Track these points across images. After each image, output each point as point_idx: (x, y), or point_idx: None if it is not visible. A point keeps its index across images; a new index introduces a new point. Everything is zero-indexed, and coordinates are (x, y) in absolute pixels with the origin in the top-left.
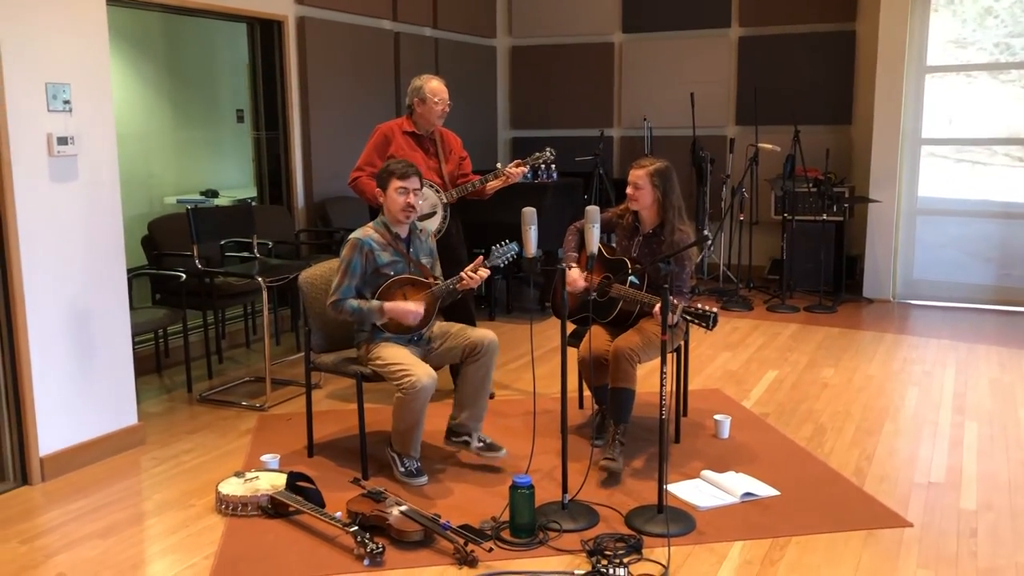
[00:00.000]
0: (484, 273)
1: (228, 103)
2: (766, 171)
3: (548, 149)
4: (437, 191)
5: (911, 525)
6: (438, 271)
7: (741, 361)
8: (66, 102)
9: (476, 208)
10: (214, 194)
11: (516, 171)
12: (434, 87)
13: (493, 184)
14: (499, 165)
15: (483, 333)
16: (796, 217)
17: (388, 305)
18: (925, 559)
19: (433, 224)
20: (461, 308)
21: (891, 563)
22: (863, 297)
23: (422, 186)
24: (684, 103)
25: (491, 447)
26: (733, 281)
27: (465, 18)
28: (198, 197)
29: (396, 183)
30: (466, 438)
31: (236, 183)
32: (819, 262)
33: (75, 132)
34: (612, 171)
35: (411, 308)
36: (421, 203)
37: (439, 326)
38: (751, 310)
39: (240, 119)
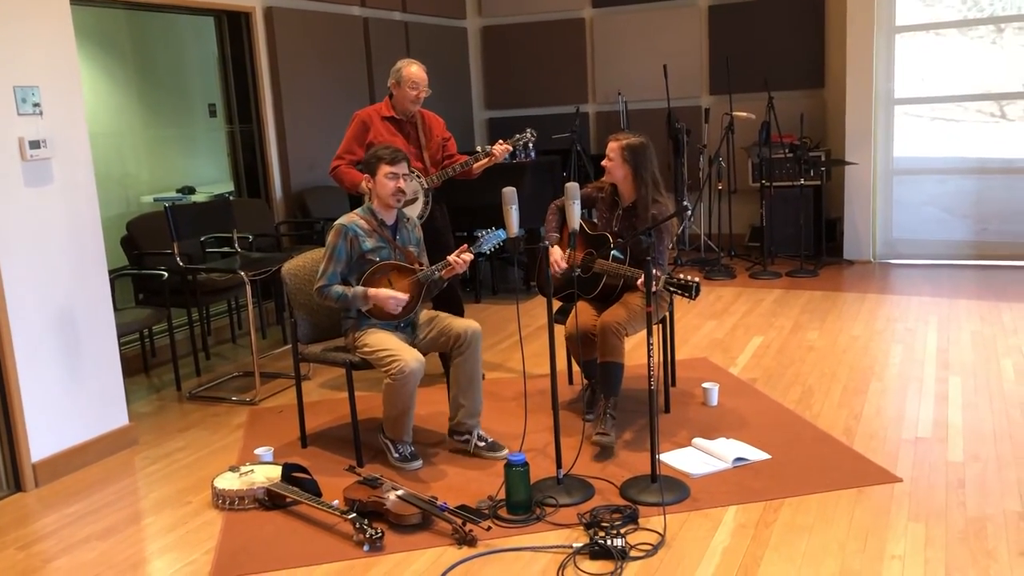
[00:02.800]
0: (468, 257)
1: (199, 98)
2: (742, 139)
3: (529, 130)
4: (418, 176)
5: (900, 480)
6: (425, 260)
7: (727, 329)
8: (36, 105)
9: (459, 192)
10: (191, 191)
11: (501, 149)
12: (411, 72)
13: (480, 163)
14: (479, 148)
15: (466, 324)
16: (774, 183)
17: (372, 291)
18: (916, 512)
19: (415, 210)
20: (449, 296)
21: (883, 518)
22: (844, 259)
23: (410, 171)
24: (657, 75)
25: (492, 446)
26: (715, 250)
27: (434, 0)
28: (175, 195)
29: (385, 168)
30: (467, 436)
31: (212, 178)
32: (799, 227)
33: (47, 135)
34: (589, 147)
35: (394, 295)
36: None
37: (425, 314)
38: (734, 278)
39: (212, 114)
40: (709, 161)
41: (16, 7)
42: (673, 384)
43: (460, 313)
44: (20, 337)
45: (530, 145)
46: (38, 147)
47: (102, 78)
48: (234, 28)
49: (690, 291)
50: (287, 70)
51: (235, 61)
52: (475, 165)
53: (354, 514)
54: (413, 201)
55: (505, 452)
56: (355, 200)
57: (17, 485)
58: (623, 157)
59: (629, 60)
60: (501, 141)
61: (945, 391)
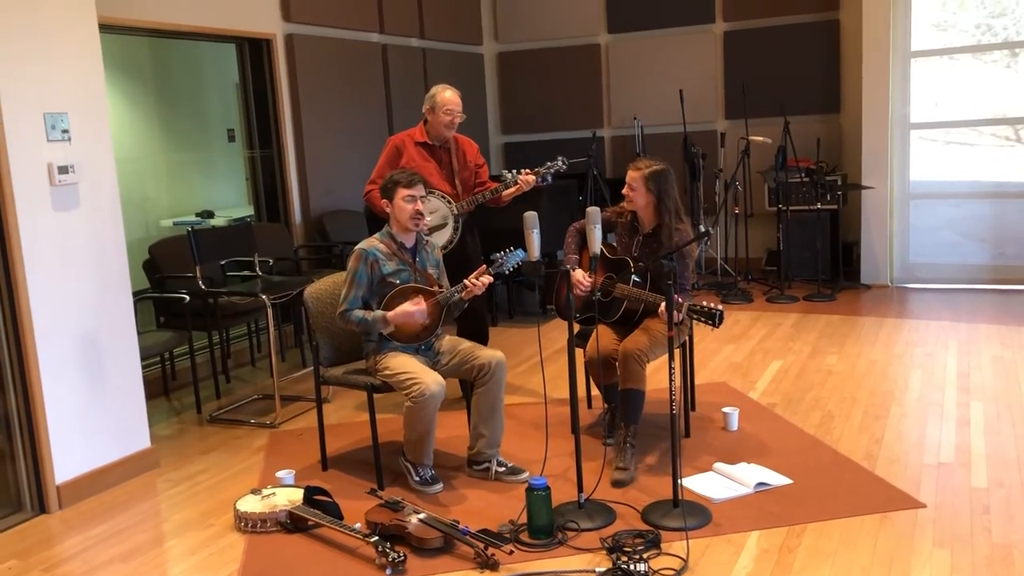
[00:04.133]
0: (487, 279)
1: (218, 123)
2: (758, 163)
3: (560, 158)
4: (448, 202)
5: (924, 506)
6: (445, 282)
7: (745, 353)
8: (65, 131)
9: (477, 217)
10: (210, 215)
11: (529, 178)
12: (446, 98)
13: (509, 192)
14: (505, 173)
15: (491, 354)
16: (790, 208)
17: (391, 314)
18: (940, 538)
19: (444, 236)
20: (476, 322)
21: (907, 544)
22: (861, 283)
23: (427, 193)
24: (673, 100)
25: (513, 470)
26: (731, 274)
27: (451, 26)
28: (194, 219)
29: (403, 191)
30: (486, 465)
31: (231, 202)
32: (816, 251)
33: (75, 160)
34: (605, 171)
35: (412, 308)
36: (431, 214)
37: (449, 340)
38: (751, 302)
39: (231, 139)
40: (725, 185)
41: (48, 36)
42: (693, 408)
43: (485, 336)
44: (46, 359)
45: (550, 171)
46: (66, 172)
47: (124, 104)
48: (255, 54)
49: (714, 319)
50: (307, 96)
51: (255, 87)
52: (504, 193)
53: (376, 537)
54: (443, 227)
55: (526, 476)
56: (373, 225)
57: (41, 507)
58: (647, 186)
59: (645, 85)
60: (527, 171)
61: (967, 416)
